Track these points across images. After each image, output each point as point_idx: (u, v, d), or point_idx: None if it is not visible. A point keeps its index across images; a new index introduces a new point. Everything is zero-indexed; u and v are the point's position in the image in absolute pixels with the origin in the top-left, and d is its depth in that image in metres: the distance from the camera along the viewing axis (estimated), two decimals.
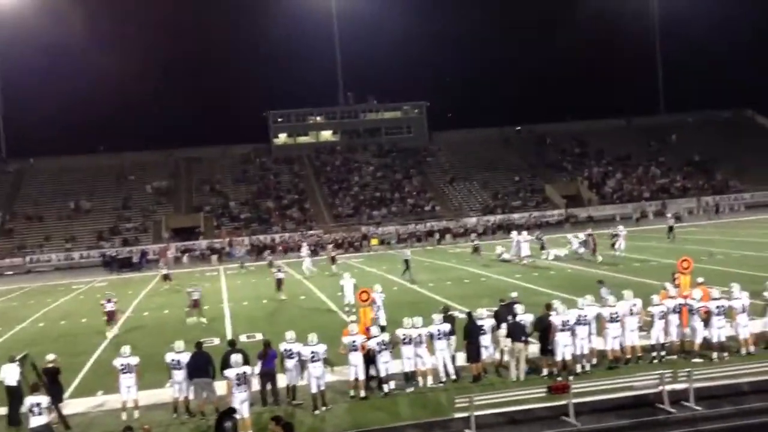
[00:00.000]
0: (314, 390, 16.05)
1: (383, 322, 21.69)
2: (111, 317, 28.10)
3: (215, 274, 48.91)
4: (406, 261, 38.35)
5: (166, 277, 42.05)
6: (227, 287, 40.80)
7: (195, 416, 16.17)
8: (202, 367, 16.24)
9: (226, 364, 15.61)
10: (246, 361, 15.52)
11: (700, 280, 20.14)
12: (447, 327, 17.38)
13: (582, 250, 39.68)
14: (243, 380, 14.94)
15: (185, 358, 16.41)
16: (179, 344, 16.71)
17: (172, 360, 16.46)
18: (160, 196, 79.69)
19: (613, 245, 39.78)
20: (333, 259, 43.75)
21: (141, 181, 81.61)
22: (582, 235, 40.76)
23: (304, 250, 46.99)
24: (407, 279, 36.68)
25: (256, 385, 16.55)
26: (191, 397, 16.44)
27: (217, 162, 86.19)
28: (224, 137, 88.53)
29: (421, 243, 60.38)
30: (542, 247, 41.50)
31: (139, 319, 31.60)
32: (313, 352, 16.14)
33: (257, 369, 16.66)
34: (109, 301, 28.35)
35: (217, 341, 23.25)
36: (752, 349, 17.38)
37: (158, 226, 73.18)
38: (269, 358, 16.68)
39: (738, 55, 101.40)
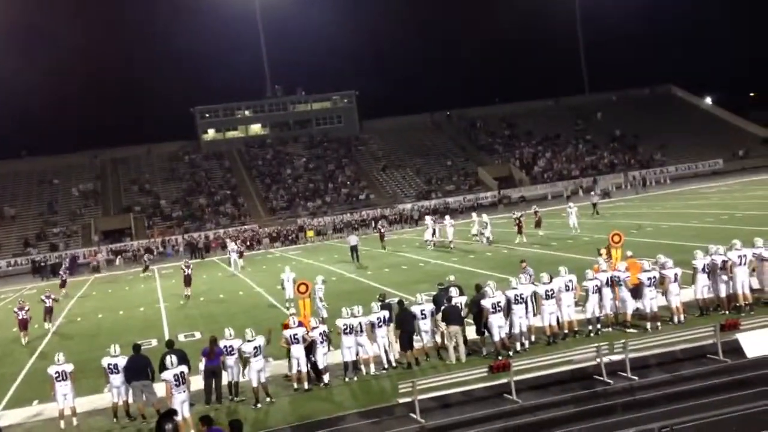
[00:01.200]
0: (255, 384, 15.90)
1: (324, 314, 21.64)
2: (24, 325, 27.23)
3: (150, 275, 47.94)
4: (353, 248, 39.05)
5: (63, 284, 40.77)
6: (162, 287, 40.05)
7: (135, 420, 15.83)
8: (140, 369, 15.89)
9: (163, 365, 15.30)
10: (183, 361, 15.24)
11: (629, 253, 20.65)
12: (386, 314, 17.40)
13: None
14: (181, 380, 14.67)
15: (122, 361, 16.03)
16: (115, 348, 16.32)
17: (109, 364, 16.06)
18: (88, 198, 77.70)
19: (537, 224, 40.59)
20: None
21: (66, 184, 79.49)
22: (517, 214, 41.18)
23: (231, 246, 46.30)
24: (356, 265, 37.27)
25: (197, 383, 16.32)
26: (131, 400, 16.08)
27: (145, 161, 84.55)
28: (150, 136, 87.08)
29: (357, 232, 60.35)
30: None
31: (72, 324, 30.78)
32: (255, 347, 15.98)
33: (202, 366, 16.42)
34: (21, 308, 27.58)
35: (155, 342, 22.81)
36: (683, 317, 17.88)
37: (87, 230, 71.38)
38: (216, 355, 16.43)
39: (657, 32, 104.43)
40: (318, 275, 24.96)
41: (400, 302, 18.17)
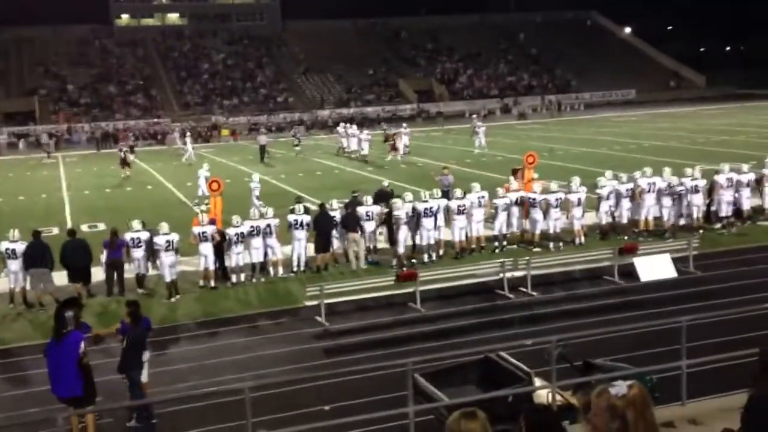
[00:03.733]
0: (168, 279, 15.78)
1: (262, 211, 21.27)
2: None
3: (54, 162, 46.22)
4: (263, 147, 39.33)
5: None
6: (66, 176, 38.73)
7: (33, 307, 15.50)
8: (39, 256, 15.47)
9: (64, 256, 15.05)
10: (84, 251, 15.46)
11: (535, 176, 21.09)
12: (307, 218, 17.33)
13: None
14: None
15: (20, 247, 15.56)
16: (14, 233, 15.78)
17: (6, 249, 15.56)
18: None
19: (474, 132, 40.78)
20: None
21: None
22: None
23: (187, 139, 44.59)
24: (263, 164, 37.47)
25: (98, 275, 16.09)
26: (28, 287, 15.70)
27: (52, 42, 79.94)
28: (58, 15, 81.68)
29: (275, 134, 59.37)
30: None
31: None
32: (167, 242, 15.76)
33: (104, 258, 16.13)
34: None
35: (56, 230, 22.17)
36: (583, 239, 18.56)
37: None
38: (117, 247, 16.11)
39: None
40: (254, 173, 24.70)
41: (321, 205, 18.11)
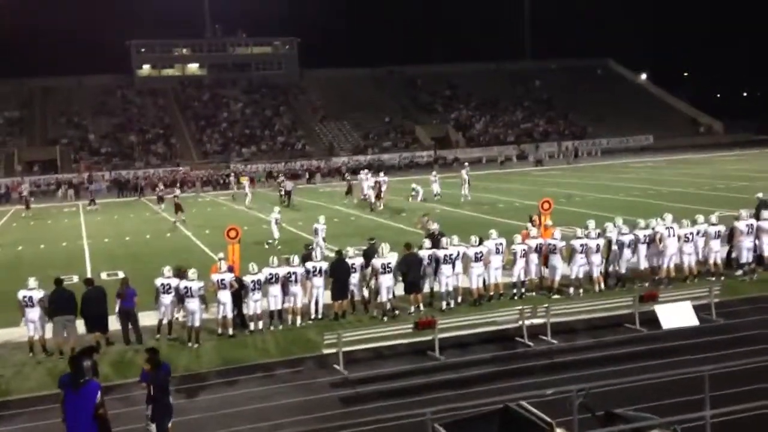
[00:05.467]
0: (189, 324, 15.94)
1: (325, 252, 21.34)
2: None
3: (74, 210, 46.71)
4: (289, 192, 40.99)
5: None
6: (86, 223, 39.10)
7: (52, 355, 15.49)
8: (63, 304, 15.53)
9: (82, 305, 15.25)
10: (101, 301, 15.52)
11: (549, 223, 21.02)
12: (325, 265, 17.34)
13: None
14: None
15: (38, 295, 15.62)
16: (32, 281, 15.87)
17: (24, 297, 15.61)
18: (12, 126, 74.78)
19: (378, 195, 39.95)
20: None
21: None
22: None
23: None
24: (287, 206, 39.03)
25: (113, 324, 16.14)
26: (48, 335, 15.72)
27: (74, 93, 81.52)
28: (82, 67, 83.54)
29: (293, 181, 59.65)
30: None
31: None
32: (186, 288, 15.84)
33: (116, 307, 16.18)
34: None
35: (75, 279, 22.27)
36: (603, 286, 18.40)
37: (10, 159, 68.85)
38: (127, 297, 16.15)
39: (600, 6, 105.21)
40: (320, 216, 25.49)
41: (338, 252, 18.11)
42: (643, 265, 18.89)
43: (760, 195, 22.80)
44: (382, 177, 41.04)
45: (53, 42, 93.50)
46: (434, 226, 21.38)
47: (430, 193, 41.05)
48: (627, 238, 18.68)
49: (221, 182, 59.77)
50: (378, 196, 38.39)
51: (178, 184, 50.61)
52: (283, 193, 42.46)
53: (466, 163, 49.41)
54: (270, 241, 27.84)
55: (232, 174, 58.71)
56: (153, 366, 10.46)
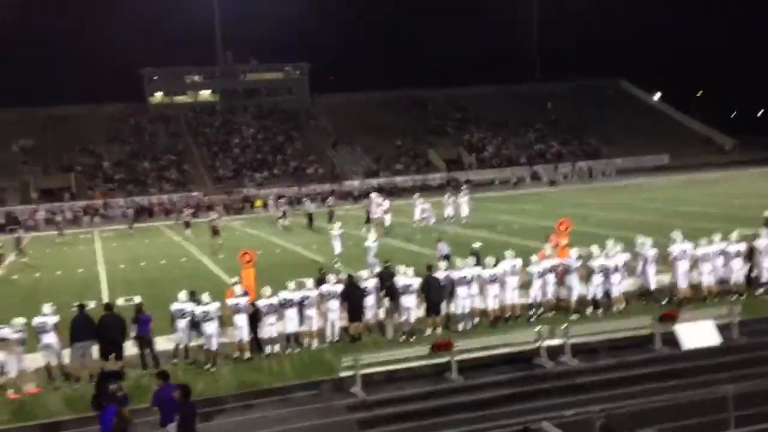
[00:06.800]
0: (207, 347, 16.01)
1: (377, 268, 21.39)
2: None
3: (89, 237, 46.92)
4: (310, 215, 42.18)
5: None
6: (102, 249, 39.25)
7: (70, 379, 15.48)
8: (85, 330, 15.55)
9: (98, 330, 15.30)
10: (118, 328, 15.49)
11: (564, 242, 20.88)
12: (340, 288, 17.30)
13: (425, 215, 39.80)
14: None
15: (52, 320, 15.66)
16: (46, 307, 15.91)
17: (38, 324, 15.64)
18: (27, 155, 75.41)
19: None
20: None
21: (5, 139, 76.75)
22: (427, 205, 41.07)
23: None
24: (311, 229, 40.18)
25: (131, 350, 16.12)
26: (66, 360, 15.72)
27: (88, 120, 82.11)
28: (95, 95, 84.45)
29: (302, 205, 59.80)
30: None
31: (8, 283, 29.98)
32: (203, 312, 15.87)
33: (133, 333, 16.18)
34: None
35: (92, 305, 22.27)
36: (622, 306, 18.23)
37: (26, 187, 69.34)
38: (142, 323, 16.16)
39: (609, 26, 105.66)
40: (369, 233, 26.53)
41: (350, 276, 18.10)
42: (652, 284, 18.74)
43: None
44: (375, 198, 41.14)
45: (67, 71, 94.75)
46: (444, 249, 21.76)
47: (442, 216, 40.89)
48: (651, 252, 18.63)
49: (235, 207, 59.97)
50: (367, 220, 38.60)
51: (210, 208, 51.45)
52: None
53: (464, 186, 49.66)
54: (336, 257, 28.30)
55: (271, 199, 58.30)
56: (183, 395, 10.50)
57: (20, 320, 15.62)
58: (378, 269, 21.41)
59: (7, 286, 29.42)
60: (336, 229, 29.40)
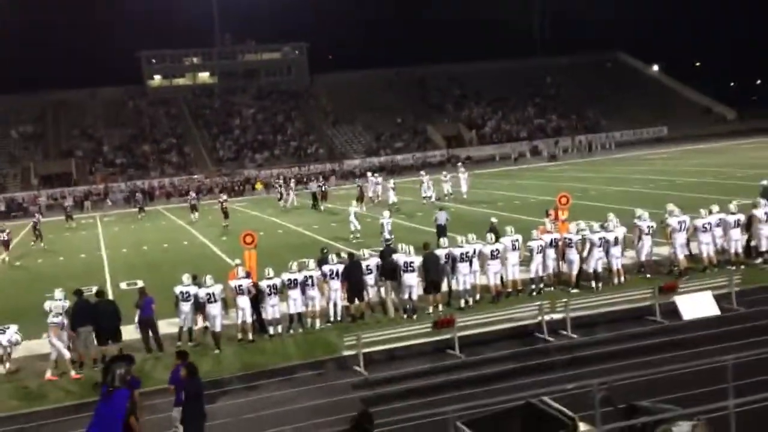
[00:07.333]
0: (212, 329, 16.16)
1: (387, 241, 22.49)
2: (6, 246, 31.85)
3: (91, 222, 47.04)
4: (314, 194, 42.72)
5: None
6: (104, 235, 39.37)
7: (75, 363, 15.61)
8: (86, 315, 15.66)
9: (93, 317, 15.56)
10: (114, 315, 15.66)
11: (564, 216, 20.94)
12: (341, 267, 17.37)
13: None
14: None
15: (64, 305, 15.76)
16: (58, 292, 16.02)
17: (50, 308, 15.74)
18: (27, 141, 75.41)
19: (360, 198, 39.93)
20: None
21: (4, 126, 76.72)
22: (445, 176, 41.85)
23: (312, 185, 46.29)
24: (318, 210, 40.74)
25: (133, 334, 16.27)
26: (71, 346, 15.84)
27: (87, 105, 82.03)
28: (94, 79, 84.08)
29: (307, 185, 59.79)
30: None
31: (12, 269, 30.12)
32: (208, 294, 16.00)
33: (137, 317, 16.31)
34: (2, 231, 31.89)
35: (95, 289, 22.37)
36: (623, 279, 18.32)
37: (27, 173, 69.42)
38: (145, 305, 16.26)
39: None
40: (384, 211, 26.74)
41: (351, 255, 18.17)
42: (644, 255, 18.84)
43: (765, 182, 22.65)
44: (372, 178, 42.86)
45: (64, 55, 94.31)
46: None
47: (441, 193, 40.94)
48: (646, 225, 18.71)
49: (236, 189, 59.99)
50: (359, 199, 38.86)
51: (218, 191, 52.58)
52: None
53: (460, 163, 50.09)
54: (352, 233, 28.77)
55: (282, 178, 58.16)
56: (189, 374, 10.58)
57: (59, 303, 15.64)
58: (389, 242, 21.72)
59: (11, 271, 29.55)
60: (353, 206, 29.89)
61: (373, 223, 29.59)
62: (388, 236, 24.31)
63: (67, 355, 15.14)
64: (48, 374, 15.00)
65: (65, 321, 15.43)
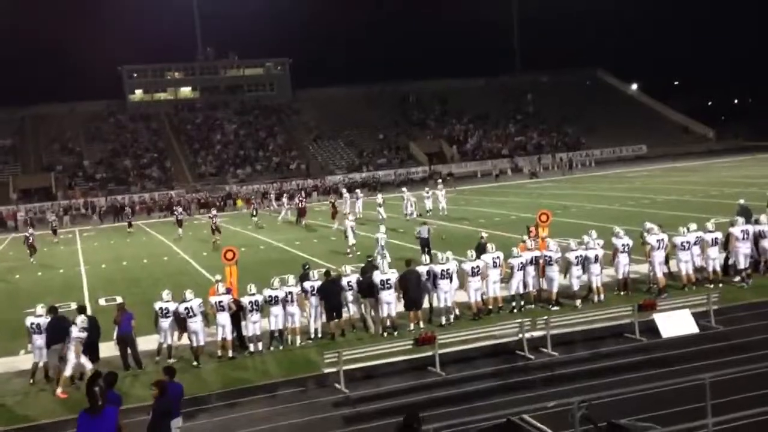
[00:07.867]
0: (193, 344, 16.07)
1: (387, 261, 21.75)
2: None
3: (70, 237, 46.66)
4: (299, 210, 43.03)
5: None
6: (83, 250, 39.06)
7: (53, 381, 15.42)
8: (59, 333, 15.47)
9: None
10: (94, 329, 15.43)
11: (544, 234, 21.05)
12: (319, 283, 17.34)
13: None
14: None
15: (45, 321, 15.59)
16: (39, 308, 15.86)
17: (32, 324, 15.59)
18: (6, 155, 74.81)
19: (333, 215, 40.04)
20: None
21: None
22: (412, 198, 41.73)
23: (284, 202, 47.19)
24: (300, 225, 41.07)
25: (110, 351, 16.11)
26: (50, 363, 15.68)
27: (68, 119, 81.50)
28: (74, 93, 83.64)
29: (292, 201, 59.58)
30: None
31: None
32: (186, 308, 15.94)
33: (114, 334, 16.17)
34: None
35: (73, 305, 22.19)
36: (602, 296, 18.41)
37: (5, 188, 68.79)
38: (124, 321, 16.12)
39: (590, 17, 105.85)
40: (381, 225, 26.46)
41: (327, 273, 18.15)
42: (621, 274, 18.91)
43: (742, 201, 22.90)
44: (346, 195, 44.16)
45: (44, 69, 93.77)
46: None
47: (424, 209, 40.97)
48: (620, 243, 18.78)
49: (217, 204, 59.64)
50: (333, 215, 38.99)
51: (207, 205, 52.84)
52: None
53: (440, 180, 50.39)
54: (349, 248, 28.52)
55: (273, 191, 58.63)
56: (161, 391, 10.46)
57: (84, 318, 15.43)
58: (389, 260, 21.59)
59: None
60: (349, 219, 29.87)
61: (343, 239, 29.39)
62: (383, 251, 23.67)
63: (89, 366, 14.81)
64: (59, 391, 14.75)
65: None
